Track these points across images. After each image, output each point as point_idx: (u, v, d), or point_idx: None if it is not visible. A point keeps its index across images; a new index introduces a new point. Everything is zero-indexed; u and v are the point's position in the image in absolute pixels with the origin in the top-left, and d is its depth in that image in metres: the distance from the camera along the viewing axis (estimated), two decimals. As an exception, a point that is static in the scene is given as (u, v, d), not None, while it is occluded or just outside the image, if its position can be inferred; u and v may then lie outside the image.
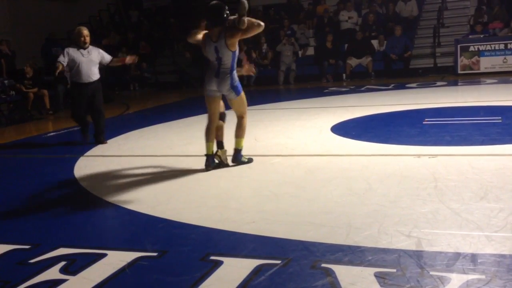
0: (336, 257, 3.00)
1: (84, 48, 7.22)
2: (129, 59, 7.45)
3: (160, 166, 5.84)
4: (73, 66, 7.19)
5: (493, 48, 12.62)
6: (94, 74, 7.31)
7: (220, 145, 5.54)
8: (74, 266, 3.17)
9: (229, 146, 5.50)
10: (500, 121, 6.75)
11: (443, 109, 8.22)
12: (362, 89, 11.79)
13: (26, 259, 3.33)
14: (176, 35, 17.05)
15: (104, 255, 3.29)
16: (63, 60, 7.13)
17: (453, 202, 3.78)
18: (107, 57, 7.45)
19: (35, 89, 11.32)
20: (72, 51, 7.20)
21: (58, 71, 7.19)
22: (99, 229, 3.90)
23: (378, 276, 2.73)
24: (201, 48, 5.25)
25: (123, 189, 4.94)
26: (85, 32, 7.26)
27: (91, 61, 7.25)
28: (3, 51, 13.43)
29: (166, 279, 2.91)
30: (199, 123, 7.28)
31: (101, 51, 7.47)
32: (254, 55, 14.75)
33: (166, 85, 16.11)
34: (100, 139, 7.43)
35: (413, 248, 3.04)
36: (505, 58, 12.54)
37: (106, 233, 3.79)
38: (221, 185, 4.85)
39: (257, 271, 2.89)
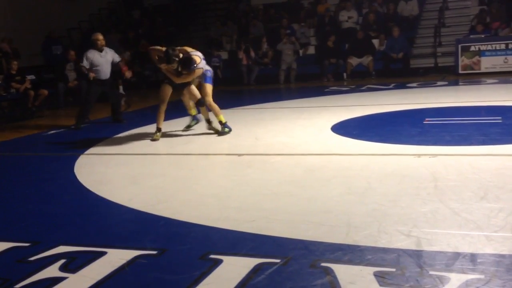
0: (336, 256, 3.00)
1: (101, 51, 8.73)
2: (127, 73, 9.25)
3: (160, 165, 5.85)
4: (94, 66, 8.67)
5: (494, 48, 12.60)
6: (109, 72, 8.89)
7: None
8: (73, 264, 3.17)
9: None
10: (500, 121, 6.74)
11: (443, 108, 8.22)
12: (363, 88, 11.78)
13: (25, 257, 3.34)
14: (163, 35, 16.96)
15: (104, 253, 3.29)
16: (86, 63, 8.65)
17: (452, 202, 3.78)
18: (117, 58, 9.03)
19: (27, 82, 11.27)
20: (91, 54, 8.68)
21: (91, 76, 8.65)
22: (98, 227, 3.90)
23: (377, 275, 2.73)
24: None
25: (123, 187, 4.94)
26: (100, 37, 8.80)
27: (107, 61, 8.82)
28: (4, 49, 13.40)
29: (165, 277, 2.92)
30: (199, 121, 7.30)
31: (114, 52, 9.04)
32: (252, 54, 14.73)
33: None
34: (119, 119, 9.10)
35: (413, 247, 3.04)
36: (506, 58, 12.51)
37: (105, 231, 3.79)
38: (220, 183, 4.85)
39: (256, 269, 2.89)
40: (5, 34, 14.36)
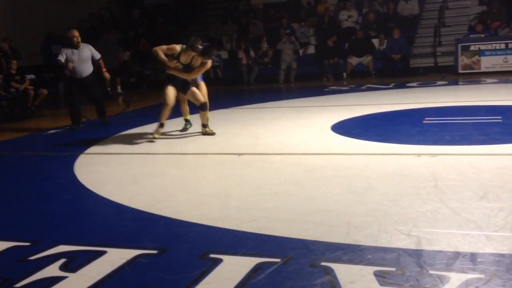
0: (336, 255, 3.00)
1: (76, 48, 8.43)
2: (106, 74, 8.96)
3: (160, 164, 5.85)
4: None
5: (493, 48, 12.59)
6: (87, 69, 8.56)
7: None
8: (74, 263, 3.17)
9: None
10: (500, 120, 6.74)
11: (443, 108, 8.22)
12: (363, 88, 11.78)
13: (26, 256, 3.34)
14: (163, 35, 16.97)
15: (104, 252, 3.29)
16: (62, 58, 8.33)
17: (453, 202, 3.78)
18: (97, 55, 8.71)
19: (27, 82, 11.26)
20: (67, 51, 8.41)
21: (70, 65, 8.31)
22: (99, 226, 3.90)
23: (377, 274, 2.73)
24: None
25: (123, 186, 4.94)
26: (76, 34, 8.51)
27: (83, 58, 8.47)
28: (3, 49, 13.40)
29: (165, 276, 2.92)
30: (198, 121, 7.28)
31: (91, 48, 8.71)
32: (252, 53, 14.73)
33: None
34: (104, 120, 8.90)
35: (413, 247, 3.04)
36: (505, 58, 12.51)
37: (106, 230, 3.79)
38: (220, 183, 4.85)
39: (256, 269, 2.89)
40: (6, 34, 14.37)
